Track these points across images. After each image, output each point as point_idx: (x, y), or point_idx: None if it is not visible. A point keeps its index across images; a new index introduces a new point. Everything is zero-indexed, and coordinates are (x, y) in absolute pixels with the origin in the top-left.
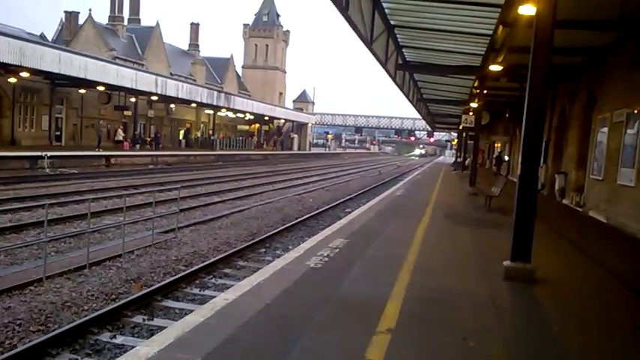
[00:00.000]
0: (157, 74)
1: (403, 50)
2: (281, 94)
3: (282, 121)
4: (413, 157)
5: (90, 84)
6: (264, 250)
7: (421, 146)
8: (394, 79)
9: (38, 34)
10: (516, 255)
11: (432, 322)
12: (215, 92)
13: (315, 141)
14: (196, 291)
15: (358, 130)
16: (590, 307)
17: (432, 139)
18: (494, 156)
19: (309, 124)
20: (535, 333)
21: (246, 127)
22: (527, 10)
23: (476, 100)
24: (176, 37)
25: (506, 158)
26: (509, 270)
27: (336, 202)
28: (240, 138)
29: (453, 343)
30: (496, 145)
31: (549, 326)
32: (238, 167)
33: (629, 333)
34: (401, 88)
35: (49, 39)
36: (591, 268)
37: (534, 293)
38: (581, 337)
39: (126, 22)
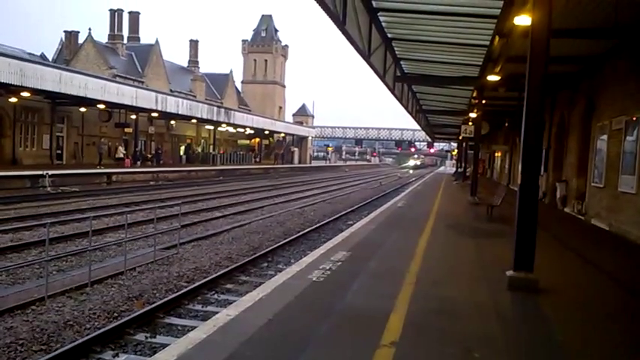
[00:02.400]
0: (157, 91)
1: (401, 62)
2: (280, 108)
3: (283, 134)
4: (406, 170)
5: (90, 102)
6: (266, 264)
7: (416, 156)
8: (393, 91)
9: (38, 54)
10: (519, 265)
11: (436, 333)
12: (215, 108)
13: (315, 154)
14: (199, 307)
15: (358, 142)
16: (594, 316)
17: (432, 150)
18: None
19: (309, 138)
20: (539, 343)
21: (247, 142)
22: (522, 21)
23: (475, 111)
24: (175, 54)
25: None
26: (513, 280)
27: (338, 215)
28: (241, 153)
29: (458, 355)
30: (496, 154)
31: (554, 336)
32: (239, 182)
33: (634, 341)
34: (400, 99)
35: (50, 58)
36: (594, 277)
37: (538, 303)
38: (586, 347)
39: (125, 41)
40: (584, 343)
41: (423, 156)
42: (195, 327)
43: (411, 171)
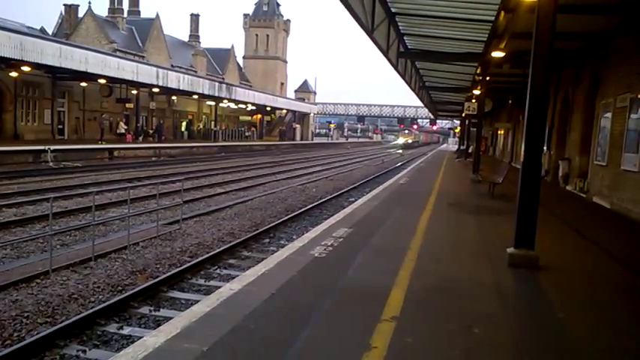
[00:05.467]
0: (158, 66)
1: (404, 38)
2: (282, 84)
3: (285, 111)
4: (395, 149)
5: (91, 77)
6: (268, 240)
7: (407, 132)
8: (396, 68)
9: (38, 27)
10: (520, 242)
11: (437, 309)
12: (216, 83)
13: (317, 131)
14: (202, 282)
15: (360, 119)
16: (594, 293)
17: (434, 127)
18: None
19: (311, 114)
20: (540, 320)
21: (249, 118)
22: None
23: (478, 87)
24: (176, 28)
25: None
26: (513, 257)
27: (340, 192)
28: (243, 129)
29: (458, 330)
30: (499, 132)
31: (554, 313)
32: (241, 158)
33: (634, 318)
34: (403, 76)
35: (50, 32)
36: (595, 254)
37: (538, 280)
38: (586, 323)
39: (126, 14)
40: (585, 319)
41: (418, 132)
42: (198, 301)
43: (399, 151)
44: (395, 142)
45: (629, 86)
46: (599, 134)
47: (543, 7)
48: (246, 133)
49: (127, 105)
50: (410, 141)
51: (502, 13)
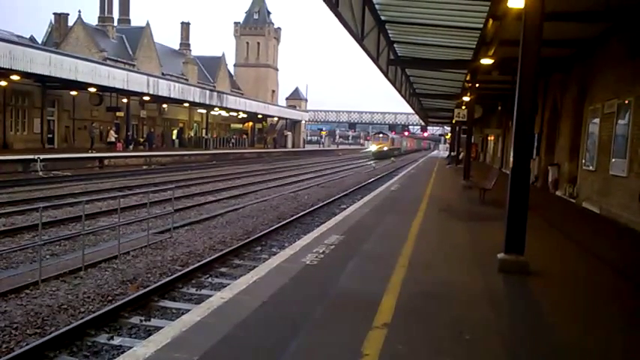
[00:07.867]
0: (148, 74)
1: (394, 45)
2: (274, 91)
3: (276, 118)
4: (370, 160)
5: (81, 86)
6: (259, 248)
7: (381, 135)
8: (386, 75)
9: (28, 36)
10: (510, 247)
11: (428, 315)
12: (207, 91)
13: (309, 138)
14: (193, 290)
15: (352, 126)
16: (584, 297)
17: (425, 134)
18: None
19: (303, 122)
20: (530, 325)
21: (240, 126)
22: (516, 3)
23: (468, 94)
24: (167, 36)
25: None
26: (504, 262)
27: (332, 199)
28: (235, 137)
29: (449, 337)
30: (489, 138)
31: (544, 318)
32: (232, 166)
33: (624, 322)
34: (393, 83)
35: (39, 41)
36: (585, 259)
37: (528, 285)
38: (576, 328)
39: (116, 23)
40: (575, 323)
41: (399, 137)
42: (189, 310)
43: (372, 163)
44: (368, 149)
45: (616, 92)
46: (588, 140)
47: (530, 15)
48: (230, 142)
49: (118, 113)
50: (385, 149)
51: (490, 21)
